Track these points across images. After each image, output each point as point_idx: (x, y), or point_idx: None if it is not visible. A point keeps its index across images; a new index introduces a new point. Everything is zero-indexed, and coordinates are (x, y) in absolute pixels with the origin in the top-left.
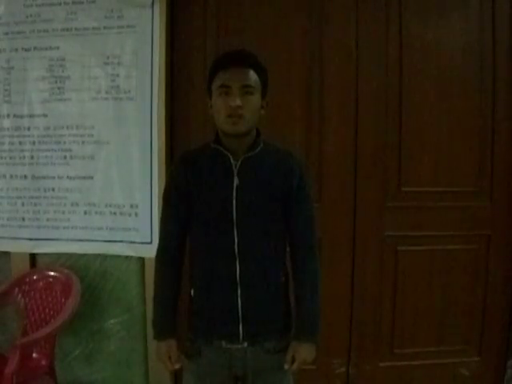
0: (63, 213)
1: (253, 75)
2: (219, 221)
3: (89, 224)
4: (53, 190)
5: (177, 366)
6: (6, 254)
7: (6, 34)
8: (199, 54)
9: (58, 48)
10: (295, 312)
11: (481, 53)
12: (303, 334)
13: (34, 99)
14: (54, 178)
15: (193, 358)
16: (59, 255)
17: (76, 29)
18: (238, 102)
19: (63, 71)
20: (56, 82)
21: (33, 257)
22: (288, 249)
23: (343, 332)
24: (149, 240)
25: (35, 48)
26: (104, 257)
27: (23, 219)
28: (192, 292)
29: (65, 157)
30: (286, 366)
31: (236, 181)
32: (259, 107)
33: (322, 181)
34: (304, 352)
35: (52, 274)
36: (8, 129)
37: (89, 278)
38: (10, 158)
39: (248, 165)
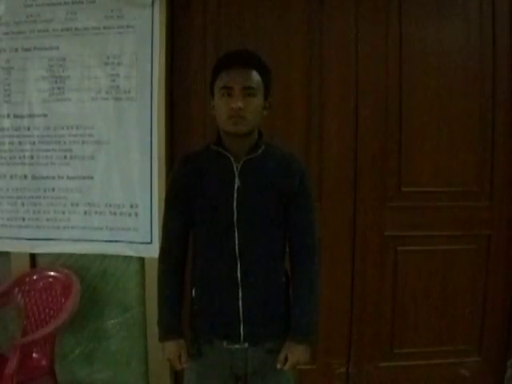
0: (63, 213)
1: (255, 76)
2: (220, 222)
3: (89, 224)
4: (53, 190)
5: (185, 365)
6: (6, 254)
7: (6, 34)
8: (199, 54)
9: (57, 48)
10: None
11: (481, 53)
12: (297, 335)
13: (34, 99)
14: (53, 178)
15: (194, 358)
16: (59, 255)
17: (76, 29)
18: (240, 103)
19: (63, 71)
20: (56, 82)
21: (33, 257)
22: (288, 250)
23: (343, 332)
24: (149, 240)
25: (35, 48)
26: (104, 257)
27: (23, 219)
28: (193, 292)
29: (65, 157)
30: (279, 366)
31: (237, 182)
32: (261, 108)
33: (322, 181)
34: (297, 353)
35: (52, 274)
36: (8, 129)
37: (89, 278)
38: (10, 157)
39: (249, 167)
